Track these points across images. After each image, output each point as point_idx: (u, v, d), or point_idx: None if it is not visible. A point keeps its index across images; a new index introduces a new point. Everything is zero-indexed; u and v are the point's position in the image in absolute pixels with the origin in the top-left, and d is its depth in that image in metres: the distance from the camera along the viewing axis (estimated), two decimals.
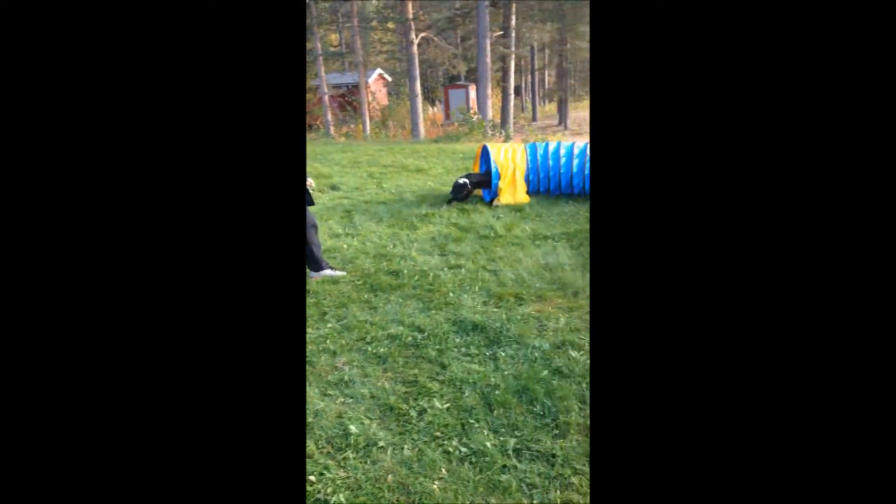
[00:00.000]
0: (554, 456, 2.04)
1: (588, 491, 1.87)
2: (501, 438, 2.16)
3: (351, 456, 2.07)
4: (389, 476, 1.96)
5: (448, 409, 2.36)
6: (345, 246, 4.65)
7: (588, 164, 5.69)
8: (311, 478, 1.95)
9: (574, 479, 1.93)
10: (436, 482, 1.95)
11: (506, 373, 2.61)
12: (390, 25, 13.61)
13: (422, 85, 15.48)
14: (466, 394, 2.46)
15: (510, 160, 5.81)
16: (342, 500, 1.85)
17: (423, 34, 14.79)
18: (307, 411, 2.33)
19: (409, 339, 2.98)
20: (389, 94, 20.00)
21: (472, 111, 13.35)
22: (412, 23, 13.46)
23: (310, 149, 10.38)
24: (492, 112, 13.43)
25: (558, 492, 1.88)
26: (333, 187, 7.17)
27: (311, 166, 8.32)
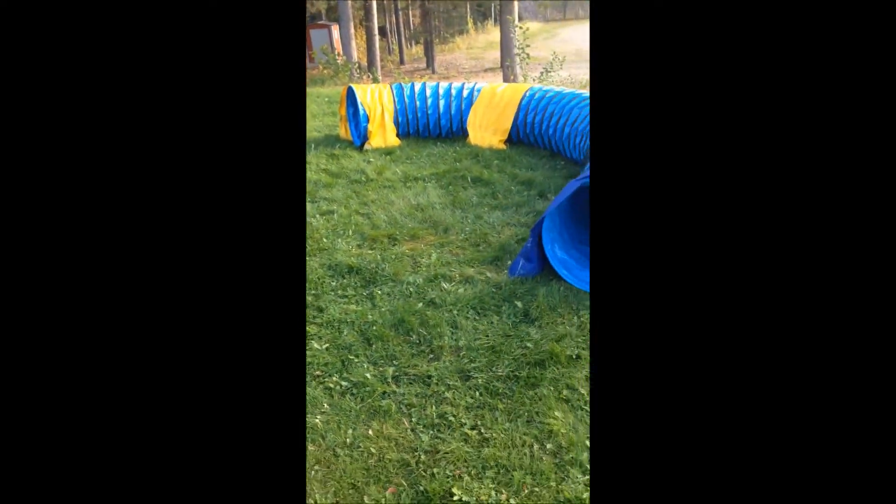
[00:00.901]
0: (429, 377, 2.20)
1: (461, 403, 2.05)
2: (381, 369, 2.27)
3: None
4: None
5: (327, 348, 2.42)
6: None
7: (454, 105, 5.80)
8: None
9: (448, 394, 2.10)
10: (318, 416, 2.02)
11: (382, 309, 2.70)
12: None
13: None
14: (345, 333, 2.53)
15: (378, 101, 5.74)
16: None
17: None
18: None
19: None
20: None
21: (336, 52, 12.81)
22: None
23: None
24: (357, 53, 12.98)
25: (434, 407, 2.04)
26: None
27: None
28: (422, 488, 1.72)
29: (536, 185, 4.38)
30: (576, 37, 21.70)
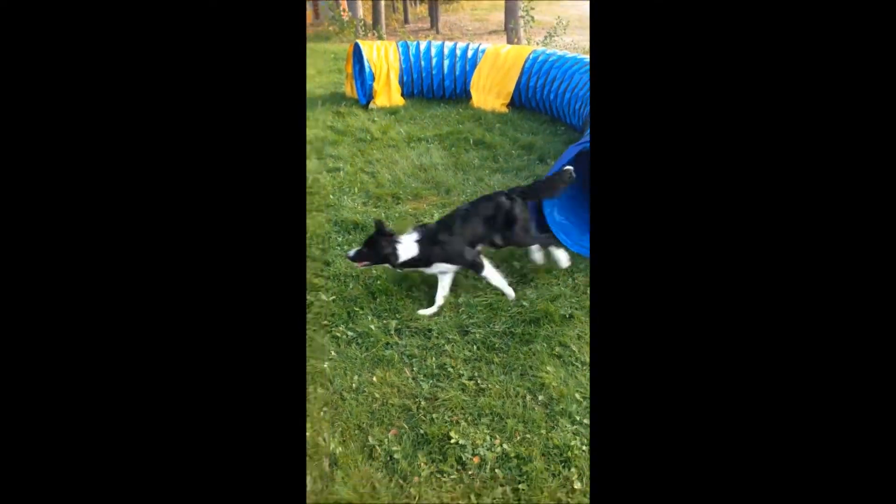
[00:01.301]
0: (430, 331, 2.32)
1: (459, 356, 2.18)
2: (384, 321, 2.39)
3: None
4: None
5: (334, 300, 2.53)
6: None
7: (458, 66, 5.77)
8: None
9: (448, 347, 2.22)
10: (326, 363, 2.15)
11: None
12: None
13: None
14: (351, 286, 2.64)
15: (384, 59, 5.71)
16: None
17: None
18: None
19: None
20: None
21: (342, 9, 12.55)
22: None
23: None
24: (362, 11, 12.74)
25: (434, 358, 2.17)
26: None
27: None
28: (422, 431, 1.85)
29: (537, 149, 4.43)
30: (581, 3, 21.17)
